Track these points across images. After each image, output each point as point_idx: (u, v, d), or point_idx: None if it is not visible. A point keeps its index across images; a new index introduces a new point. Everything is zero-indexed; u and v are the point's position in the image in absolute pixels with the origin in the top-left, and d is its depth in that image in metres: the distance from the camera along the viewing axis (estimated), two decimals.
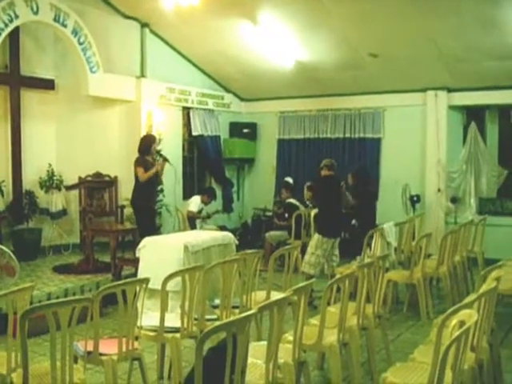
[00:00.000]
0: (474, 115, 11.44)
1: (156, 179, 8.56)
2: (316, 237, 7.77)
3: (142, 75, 10.59)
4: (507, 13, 8.43)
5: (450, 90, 11.04)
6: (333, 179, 7.96)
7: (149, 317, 5.00)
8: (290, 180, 11.72)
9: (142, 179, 8.19)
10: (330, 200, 7.86)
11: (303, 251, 7.78)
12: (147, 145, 8.46)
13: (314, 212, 8.55)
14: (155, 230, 8.86)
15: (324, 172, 7.89)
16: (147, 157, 8.38)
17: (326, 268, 7.82)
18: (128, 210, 9.80)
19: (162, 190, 10.01)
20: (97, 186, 10.12)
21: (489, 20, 8.66)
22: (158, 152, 9.36)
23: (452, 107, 11.22)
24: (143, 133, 9.94)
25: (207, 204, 10.66)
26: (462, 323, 3.40)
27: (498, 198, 11.20)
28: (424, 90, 11.19)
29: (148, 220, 8.39)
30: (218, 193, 12.40)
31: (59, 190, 9.63)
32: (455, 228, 8.53)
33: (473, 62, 9.87)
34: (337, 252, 7.91)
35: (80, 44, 9.24)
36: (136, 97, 10.45)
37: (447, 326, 3.47)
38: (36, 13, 8.51)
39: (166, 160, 8.54)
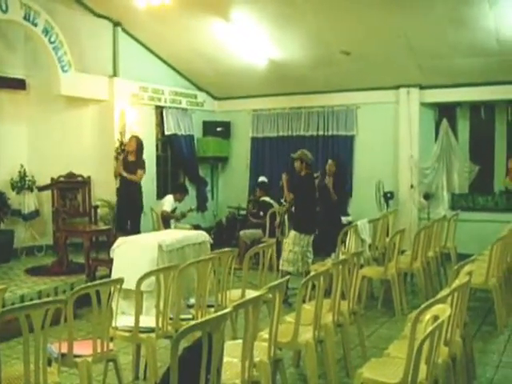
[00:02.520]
0: (445, 112, 11.53)
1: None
2: (292, 234, 7.78)
3: (115, 74, 10.51)
4: (478, 9, 8.50)
5: (422, 87, 11.13)
6: (311, 178, 7.95)
7: (124, 317, 4.98)
8: (264, 179, 11.72)
9: (139, 180, 8.80)
10: (307, 198, 7.87)
11: (278, 249, 7.79)
12: (140, 150, 9.09)
13: (285, 207, 8.54)
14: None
15: (300, 167, 7.82)
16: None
17: (301, 265, 7.81)
18: (102, 210, 9.75)
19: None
20: (70, 187, 10.01)
21: (460, 17, 8.73)
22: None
23: (424, 104, 11.31)
24: (116, 132, 9.92)
25: (181, 201, 10.62)
26: (435, 318, 3.43)
27: (469, 194, 11.32)
28: (396, 88, 11.26)
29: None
30: (193, 192, 12.38)
31: (31, 190, 9.53)
32: (428, 224, 8.60)
33: (444, 58, 9.96)
34: (310, 249, 7.92)
35: (51, 43, 9.14)
36: (109, 96, 10.37)
37: (421, 320, 3.51)
38: (5, 11, 8.38)
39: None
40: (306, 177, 7.85)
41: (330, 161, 9.59)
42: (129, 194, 9.12)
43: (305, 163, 7.79)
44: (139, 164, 9.22)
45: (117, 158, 9.82)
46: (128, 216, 9.17)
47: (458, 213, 9.54)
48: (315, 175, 8.70)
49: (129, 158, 9.20)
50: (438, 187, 11.33)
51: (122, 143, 10.06)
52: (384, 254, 8.06)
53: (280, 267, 7.62)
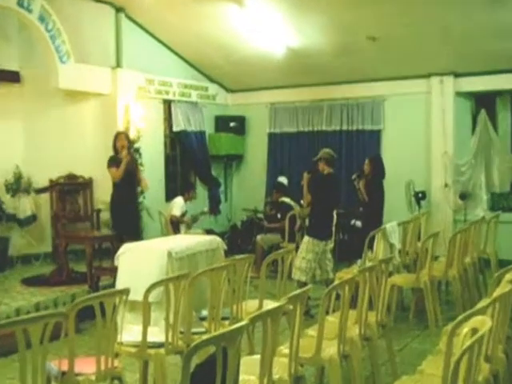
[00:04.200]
0: (483, 102, 11.46)
1: (131, 177, 8.72)
2: (306, 239, 7.75)
3: (118, 65, 10.55)
4: None
5: (456, 75, 11.05)
6: (333, 178, 7.94)
7: (130, 331, 4.98)
8: (283, 180, 11.70)
9: (113, 179, 8.54)
10: (325, 200, 7.84)
11: None
12: (113, 143, 8.77)
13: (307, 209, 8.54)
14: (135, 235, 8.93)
15: (323, 168, 7.83)
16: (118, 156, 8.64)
17: (319, 274, 7.79)
18: (105, 214, 9.77)
19: (142, 192, 9.97)
20: (70, 189, 10.07)
21: None
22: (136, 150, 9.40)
23: (459, 94, 11.23)
24: (120, 129, 9.92)
25: (191, 199, 10.64)
26: (474, 331, 3.40)
27: (511, 193, 11.23)
28: (428, 76, 11.20)
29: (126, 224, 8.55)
30: (204, 193, 12.43)
31: (28, 193, 9.58)
32: (465, 226, 8.53)
33: (482, 43, 9.84)
34: (330, 256, 7.90)
35: (48, 31, 9.19)
36: (111, 89, 10.42)
37: (458, 334, 3.47)
38: None
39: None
40: (327, 176, 7.84)
41: (366, 160, 9.57)
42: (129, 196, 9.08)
43: (325, 161, 7.79)
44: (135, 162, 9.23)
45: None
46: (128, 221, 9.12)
47: (499, 214, 9.44)
48: (353, 177, 8.72)
49: (121, 155, 9.05)
50: (475, 186, 11.25)
51: (128, 141, 9.97)
52: (415, 260, 8.01)
53: (292, 275, 7.60)
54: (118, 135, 8.92)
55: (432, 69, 11.03)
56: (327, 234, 7.87)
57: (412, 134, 11.46)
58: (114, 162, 8.60)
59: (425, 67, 11.01)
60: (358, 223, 10.49)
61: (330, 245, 7.93)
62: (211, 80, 12.81)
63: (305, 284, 7.27)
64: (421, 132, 11.40)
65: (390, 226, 8.10)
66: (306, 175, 8.06)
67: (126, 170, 8.48)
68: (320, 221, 7.83)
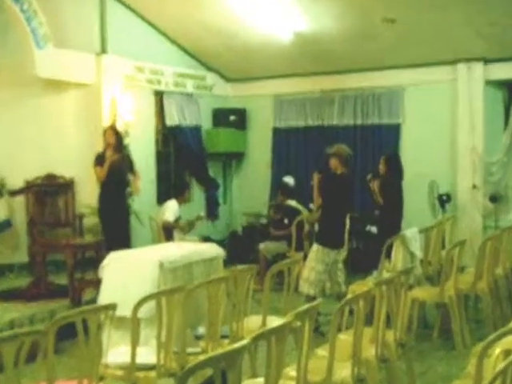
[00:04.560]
0: None
1: (120, 178, 8.71)
2: (315, 248, 7.74)
3: (103, 51, 10.54)
4: None
5: (486, 61, 11.04)
6: (347, 179, 7.93)
7: (116, 352, 4.97)
8: (289, 181, 11.70)
9: (98, 180, 8.76)
10: (338, 204, 7.83)
11: None
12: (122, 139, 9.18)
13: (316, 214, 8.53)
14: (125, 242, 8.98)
15: (336, 165, 7.79)
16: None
17: (329, 287, 7.79)
18: (89, 220, 9.77)
19: (130, 194, 9.97)
20: (49, 191, 10.05)
21: None
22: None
23: (490, 82, 11.22)
24: (106, 123, 9.92)
25: (186, 203, 10.64)
26: (507, 352, 3.39)
27: None
28: (454, 62, 11.18)
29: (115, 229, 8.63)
30: (201, 195, 12.43)
31: (1, 195, 9.57)
32: (496, 233, 8.53)
33: None
34: (341, 266, 7.89)
35: (23, 12, 9.18)
36: (96, 78, 10.42)
37: (489, 355, 3.46)
38: None
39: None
40: (340, 176, 7.82)
41: (381, 159, 9.53)
42: (117, 199, 9.15)
43: (339, 158, 7.77)
44: (130, 161, 9.38)
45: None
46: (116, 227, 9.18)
47: None
48: (368, 177, 8.69)
49: (107, 154, 9.11)
50: (508, 187, 11.25)
51: (117, 136, 9.94)
52: (439, 271, 8.00)
53: (299, 288, 7.59)
54: (104, 130, 9.00)
55: (458, 54, 11.01)
56: (339, 242, 7.87)
57: (435, 128, 11.45)
58: (101, 160, 8.65)
59: (450, 52, 10.98)
60: (374, 229, 10.49)
61: (343, 254, 7.93)
62: (209, 68, 12.82)
63: (314, 298, 7.27)
64: (446, 126, 11.39)
65: (411, 232, 8.09)
66: (316, 175, 8.04)
67: (110, 170, 8.57)
68: (331, 227, 7.82)
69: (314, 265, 7.64)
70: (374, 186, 9.21)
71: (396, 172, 9.10)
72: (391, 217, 8.99)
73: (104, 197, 8.88)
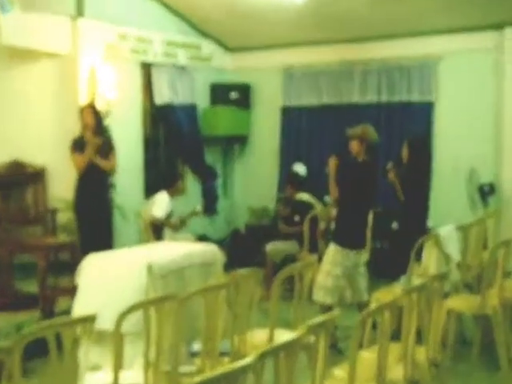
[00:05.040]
0: None
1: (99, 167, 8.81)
2: (332, 248, 7.71)
3: (80, 14, 10.50)
4: None
5: None
6: (370, 168, 7.89)
7: (96, 372, 4.98)
8: (300, 170, 11.71)
9: (77, 169, 8.74)
10: (358, 196, 7.81)
11: None
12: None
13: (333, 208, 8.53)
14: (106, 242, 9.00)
15: (358, 150, 7.74)
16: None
17: (349, 295, 7.77)
18: (64, 216, 9.77)
19: (113, 186, 9.99)
20: (15, 182, 10.09)
21: None
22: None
23: None
24: (83, 101, 9.90)
25: (179, 194, 10.64)
26: None
27: None
28: (500, 27, 11.12)
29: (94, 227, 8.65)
30: (196, 187, 12.43)
31: None
32: None
33: None
34: (363, 270, 7.87)
35: None
36: (71, 47, 10.39)
37: None
38: None
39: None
40: (363, 164, 7.79)
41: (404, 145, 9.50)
42: (97, 191, 9.15)
43: (365, 145, 7.74)
44: (108, 144, 9.30)
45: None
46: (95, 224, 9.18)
47: None
48: (388, 167, 8.65)
49: (86, 137, 9.12)
50: None
51: (96, 116, 9.92)
52: (480, 276, 8.00)
53: (313, 297, 7.58)
54: (81, 109, 8.99)
55: (506, 16, 10.96)
56: (360, 241, 7.86)
57: (476, 106, 11.44)
58: (79, 145, 8.63)
59: (495, 14, 10.92)
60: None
61: (364, 255, 7.91)
62: (205, 36, 12.81)
63: (330, 308, 7.27)
64: (489, 104, 11.37)
65: (446, 230, 8.07)
66: (332, 161, 7.96)
67: (92, 156, 8.56)
68: (351, 223, 7.79)
69: (331, 268, 7.61)
70: (391, 175, 9.19)
71: (420, 159, 9.05)
72: (413, 212, 8.98)
73: (81, 188, 8.84)
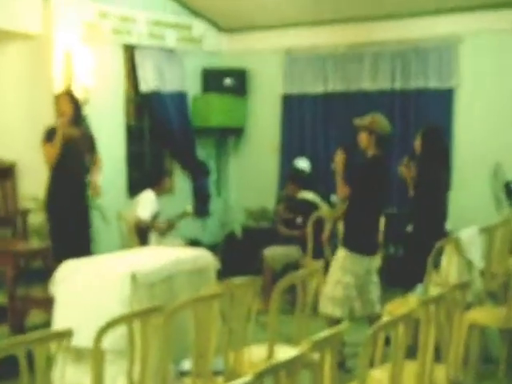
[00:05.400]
0: None
1: (76, 161, 8.69)
2: (342, 254, 7.69)
3: None
4: None
5: None
6: (382, 162, 7.88)
7: None
8: (303, 165, 11.70)
9: (47, 160, 8.72)
10: (370, 196, 7.81)
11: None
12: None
13: (340, 209, 8.53)
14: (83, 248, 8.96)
15: (367, 143, 7.71)
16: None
17: (359, 306, 7.76)
18: (36, 217, 9.78)
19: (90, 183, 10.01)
20: None
21: None
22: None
23: None
24: (58, 88, 9.90)
25: (165, 192, 10.66)
26: None
27: None
28: None
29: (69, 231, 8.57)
30: (186, 185, 12.43)
31: None
32: None
33: None
34: (376, 278, 7.87)
35: None
36: (44, 27, 10.39)
37: None
38: None
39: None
40: (373, 160, 7.79)
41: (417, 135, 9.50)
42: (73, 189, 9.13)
43: (375, 137, 7.72)
44: (89, 139, 9.31)
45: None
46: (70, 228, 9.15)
47: None
48: (404, 162, 8.64)
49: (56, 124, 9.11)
50: None
51: (74, 105, 9.90)
52: (507, 285, 8.00)
53: (320, 309, 7.58)
54: (57, 97, 8.97)
55: None
56: (373, 245, 7.87)
57: (502, 93, 11.42)
58: (52, 136, 8.61)
59: None
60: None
61: (377, 261, 7.90)
62: (196, 14, 12.81)
63: (338, 322, 7.25)
64: None
65: (468, 233, 8.08)
66: (339, 156, 7.93)
67: (64, 148, 8.54)
68: (362, 226, 7.78)
69: (341, 277, 7.58)
70: (402, 170, 9.18)
71: (437, 151, 9.05)
72: (430, 211, 8.96)
73: (54, 186, 8.75)
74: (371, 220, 7.86)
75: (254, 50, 13.17)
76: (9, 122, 10.24)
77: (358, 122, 7.80)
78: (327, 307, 7.59)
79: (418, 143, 9.04)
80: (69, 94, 9.35)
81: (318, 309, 7.38)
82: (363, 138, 7.71)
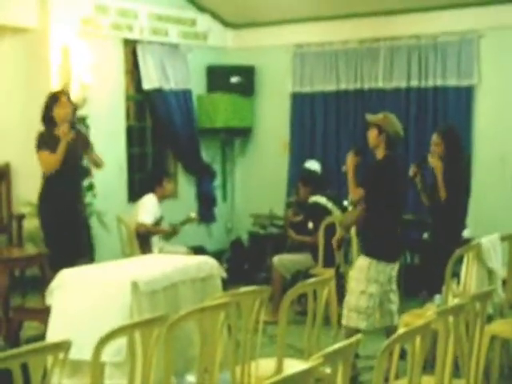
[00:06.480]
0: None
1: (73, 164, 8.71)
2: (365, 263, 7.64)
3: None
4: None
5: None
6: (395, 163, 7.86)
7: None
8: (314, 166, 11.70)
9: (46, 169, 8.49)
10: (389, 199, 7.78)
11: (339, 288, 7.75)
12: (45, 109, 8.69)
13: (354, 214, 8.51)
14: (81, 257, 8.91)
15: (376, 143, 7.69)
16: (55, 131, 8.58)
17: (378, 317, 7.69)
18: (31, 222, 9.77)
19: (90, 188, 9.99)
20: None
21: None
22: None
23: None
24: (54, 84, 9.90)
25: (168, 196, 10.65)
26: None
27: None
28: None
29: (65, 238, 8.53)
30: (191, 189, 12.42)
31: None
32: None
33: None
34: (394, 287, 7.84)
35: None
36: (40, 21, 10.42)
37: None
38: None
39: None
40: (386, 161, 7.76)
41: (434, 135, 9.44)
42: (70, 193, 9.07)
43: (385, 136, 7.70)
44: (83, 139, 9.01)
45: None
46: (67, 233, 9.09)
47: None
48: (413, 167, 8.63)
49: (58, 131, 9.01)
50: None
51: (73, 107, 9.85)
52: None
53: (344, 321, 7.55)
54: (57, 97, 8.87)
55: None
56: (398, 251, 7.88)
57: None
58: (47, 140, 8.53)
59: None
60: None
61: (396, 268, 7.87)
62: (201, 9, 12.84)
63: (357, 332, 7.20)
64: None
65: (489, 240, 8.05)
66: (351, 158, 7.93)
67: (66, 153, 8.47)
68: (385, 230, 7.74)
69: (366, 287, 7.50)
70: (412, 172, 9.14)
71: (455, 153, 9.02)
72: (448, 218, 8.95)
73: (49, 190, 8.65)
74: (392, 223, 7.80)
75: (262, 47, 13.16)
76: (3, 122, 10.25)
77: (370, 117, 7.77)
78: (351, 319, 7.49)
79: (437, 144, 9.01)
80: (66, 93, 9.32)
81: (331, 319, 7.33)
82: (372, 135, 7.66)
